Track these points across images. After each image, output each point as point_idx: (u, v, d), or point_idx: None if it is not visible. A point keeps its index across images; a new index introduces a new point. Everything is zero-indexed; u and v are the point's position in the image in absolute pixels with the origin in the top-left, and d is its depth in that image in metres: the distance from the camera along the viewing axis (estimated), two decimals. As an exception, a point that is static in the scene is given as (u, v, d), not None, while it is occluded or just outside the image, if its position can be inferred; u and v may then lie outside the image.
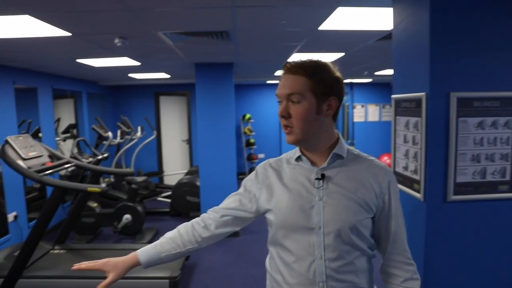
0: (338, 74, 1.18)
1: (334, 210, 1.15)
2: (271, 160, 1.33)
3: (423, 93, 1.65)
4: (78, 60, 4.18)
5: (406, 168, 1.88)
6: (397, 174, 1.96)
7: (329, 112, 1.16)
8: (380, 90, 8.64)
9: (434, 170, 1.66)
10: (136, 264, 1.28)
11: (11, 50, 3.45)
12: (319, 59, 1.17)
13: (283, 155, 1.31)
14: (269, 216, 1.25)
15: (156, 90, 7.91)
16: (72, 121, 6.39)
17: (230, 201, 1.35)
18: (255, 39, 3.38)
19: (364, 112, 8.79)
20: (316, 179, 1.17)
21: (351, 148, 1.24)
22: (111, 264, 1.26)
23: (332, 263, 1.15)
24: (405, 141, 1.88)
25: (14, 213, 4.36)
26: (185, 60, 4.54)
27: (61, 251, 4.09)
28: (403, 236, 1.23)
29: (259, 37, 3.28)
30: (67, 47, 3.37)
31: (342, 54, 4.16)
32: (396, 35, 1.99)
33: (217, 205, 1.38)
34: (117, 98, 7.96)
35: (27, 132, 5.21)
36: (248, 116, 8.76)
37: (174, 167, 8.13)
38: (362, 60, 4.80)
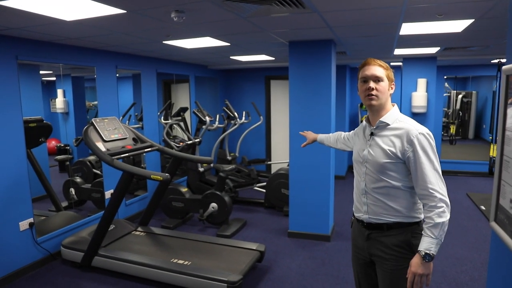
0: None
1: (372, 154, 1.85)
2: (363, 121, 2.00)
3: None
4: (164, 42, 4.08)
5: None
6: (502, 211, 1.11)
7: (391, 91, 1.86)
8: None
9: None
10: (316, 140, 2.72)
11: (92, 34, 3.49)
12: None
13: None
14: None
15: (267, 73, 7.58)
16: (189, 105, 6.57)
17: (348, 134, 2.41)
18: (334, 3, 2.64)
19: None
20: (369, 134, 1.89)
21: (402, 116, 1.84)
22: (310, 136, 2.76)
23: (369, 184, 1.87)
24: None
25: (110, 191, 4.61)
26: (276, 39, 4.02)
27: (142, 233, 4.13)
28: (426, 177, 1.67)
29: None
30: (132, 27, 3.21)
31: (470, 20, 3.03)
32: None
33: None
34: (227, 82, 7.93)
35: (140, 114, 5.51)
36: (366, 103, 7.72)
37: (283, 155, 7.75)
38: (505, 29, 3.47)
